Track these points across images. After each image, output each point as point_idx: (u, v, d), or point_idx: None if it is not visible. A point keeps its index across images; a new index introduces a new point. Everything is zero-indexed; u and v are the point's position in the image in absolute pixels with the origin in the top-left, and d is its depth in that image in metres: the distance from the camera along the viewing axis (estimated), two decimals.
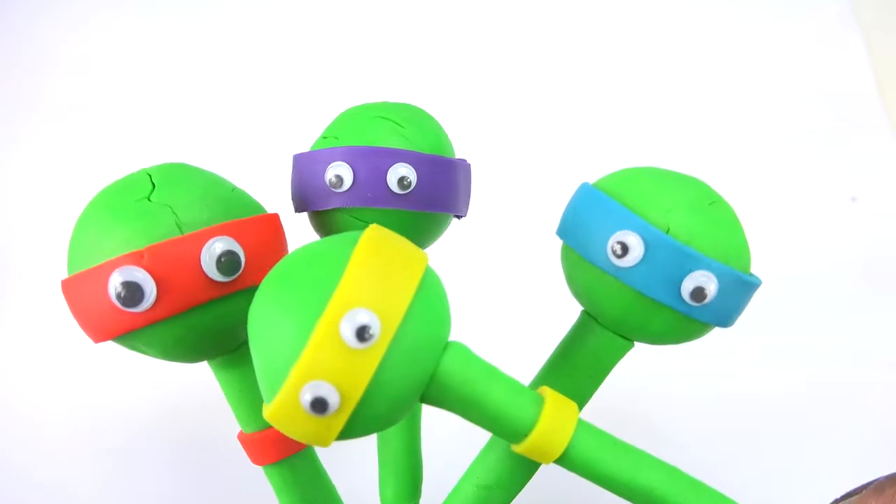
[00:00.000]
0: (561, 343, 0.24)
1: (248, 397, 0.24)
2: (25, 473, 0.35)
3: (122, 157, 0.46)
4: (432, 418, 0.28)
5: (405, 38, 0.53)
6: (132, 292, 0.20)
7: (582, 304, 0.24)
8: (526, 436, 0.19)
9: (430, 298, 0.18)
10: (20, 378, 0.39)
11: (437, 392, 0.19)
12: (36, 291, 0.42)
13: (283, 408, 0.17)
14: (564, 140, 0.50)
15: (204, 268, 0.21)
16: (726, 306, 0.21)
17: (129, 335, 0.21)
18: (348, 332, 0.17)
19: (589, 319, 0.23)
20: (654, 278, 0.21)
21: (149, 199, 0.21)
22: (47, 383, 0.39)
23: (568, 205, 0.24)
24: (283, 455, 0.24)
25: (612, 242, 0.21)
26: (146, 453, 0.36)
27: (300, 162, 0.25)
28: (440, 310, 0.19)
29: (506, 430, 0.20)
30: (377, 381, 0.17)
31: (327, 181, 0.24)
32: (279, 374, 0.17)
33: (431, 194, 0.24)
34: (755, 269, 0.31)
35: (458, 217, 0.27)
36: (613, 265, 0.21)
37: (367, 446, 0.28)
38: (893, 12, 0.55)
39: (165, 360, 0.23)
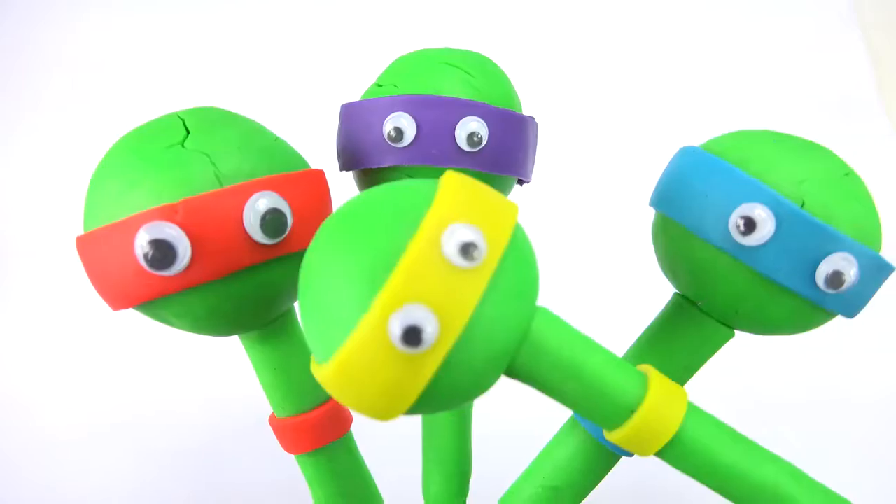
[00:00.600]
0: (647, 330, 0.21)
1: (283, 376, 0.21)
2: (24, 471, 0.33)
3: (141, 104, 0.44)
4: (480, 411, 0.25)
5: None
6: (163, 252, 0.17)
7: (678, 286, 0.20)
8: (628, 417, 0.16)
9: (524, 239, 0.16)
10: (19, 377, 0.37)
11: (531, 356, 0.16)
12: (34, 286, 0.40)
13: (363, 346, 0.14)
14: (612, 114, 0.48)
15: (246, 227, 0.17)
16: (862, 294, 0.18)
17: (157, 303, 0.18)
18: (451, 248, 0.14)
19: (685, 304, 0.20)
20: (784, 260, 0.17)
21: (182, 146, 0.18)
22: (46, 381, 0.38)
23: (668, 170, 0.20)
24: (321, 443, 0.21)
25: (736, 217, 0.17)
26: (152, 454, 0.34)
27: (351, 113, 0.22)
28: (533, 260, 0.16)
29: (605, 408, 0.16)
30: (481, 313, 0.14)
31: (385, 134, 0.21)
32: (359, 301, 0.14)
33: (502, 154, 0.21)
34: None
35: (522, 183, 0.24)
36: (735, 243, 0.18)
37: (410, 438, 0.26)
38: (894, 12, 0.54)
39: (193, 332, 0.20)
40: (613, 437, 0.17)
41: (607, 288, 0.39)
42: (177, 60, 0.49)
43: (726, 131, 0.23)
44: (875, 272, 0.18)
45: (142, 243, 0.17)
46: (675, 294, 0.21)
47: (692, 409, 0.17)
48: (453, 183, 0.15)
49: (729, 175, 0.18)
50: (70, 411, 0.37)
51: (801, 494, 0.17)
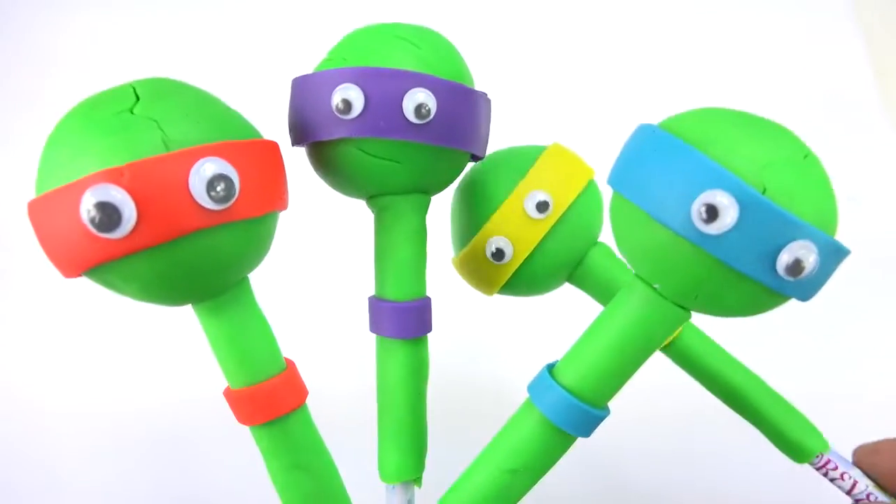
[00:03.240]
0: (605, 311, 0.21)
1: (237, 347, 0.21)
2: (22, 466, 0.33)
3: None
4: (436, 392, 0.26)
5: None
6: (108, 214, 0.17)
7: (637, 268, 0.20)
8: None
9: (591, 199, 0.25)
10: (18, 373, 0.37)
11: (582, 275, 0.26)
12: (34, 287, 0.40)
13: (471, 254, 0.25)
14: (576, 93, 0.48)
15: (192, 191, 0.18)
16: (819, 279, 0.18)
17: (104, 267, 0.18)
18: (531, 205, 0.24)
19: (644, 286, 0.20)
20: (746, 248, 0.17)
21: (131, 112, 0.18)
22: (45, 376, 0.37)
23: (626, 150, 0.20)
24: (276, 414, 0.21)
25: (699, 204, 0.17)
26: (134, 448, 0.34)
27: (301, 86, 0.22)
28: (597, 211, 0.26)
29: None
30: (543, 246, 0.25)
31: (333, 107, 0.21)
32: (470, 231, 0.25)
33: (451, 127, 0.22)
34: None
35: (476, 159, 0.25)
36: (697, 231, 0.17)
37: (366, 415, 0.26)
38: (893, 11, 0.54)
39: (145, 300, 0.20)
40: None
41: None
42: (144, 46, 0.49)
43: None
44: (832, 257, 0.18)
45: (87, 206, 0.17)
46: (632, 274, 0.20)
47: (690, 326, 0.26)
48: (548, 157, 0.25)
49: (691, 159, 0.17)
50: (52, 401, 0.37)
51: (758, 396, 0.26)
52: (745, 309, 0.19)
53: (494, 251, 0.24)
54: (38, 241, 0.19)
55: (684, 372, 0.27)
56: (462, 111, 0.22)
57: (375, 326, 0.24)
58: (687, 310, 0.20)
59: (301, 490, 0.23)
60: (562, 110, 0.49)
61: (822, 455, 0.25)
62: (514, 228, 0.24)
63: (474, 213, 0.25)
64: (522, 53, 0.50)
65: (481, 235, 0.25)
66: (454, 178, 0.24)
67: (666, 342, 0.25)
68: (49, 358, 0.38)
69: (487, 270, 0.25)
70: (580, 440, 0.21)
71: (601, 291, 0.26)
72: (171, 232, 0.18)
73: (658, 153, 0.18)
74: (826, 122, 0.48)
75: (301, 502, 0.22)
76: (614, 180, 0.20)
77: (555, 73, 0.50)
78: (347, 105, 0.21)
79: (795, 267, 0.17)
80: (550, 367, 0.22)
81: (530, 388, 0.22)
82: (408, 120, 0.21)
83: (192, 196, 0.18)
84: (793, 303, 0.37)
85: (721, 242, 0.17)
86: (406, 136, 0.21)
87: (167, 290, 0.19)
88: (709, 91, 0.49)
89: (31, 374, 0.37)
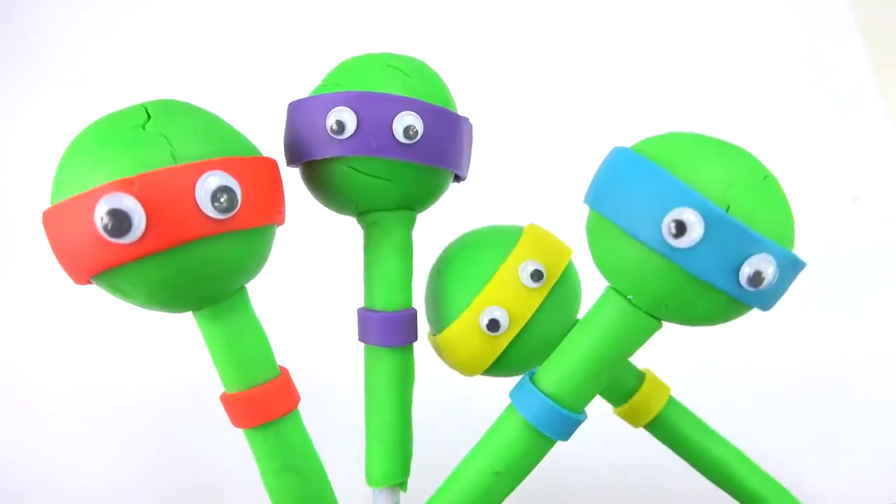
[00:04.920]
0: (582, 322, 0.22)
1: (234, 353, 0.22)
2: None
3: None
4: (421, 397, 0.27)
5: None
6: (119, 221, 0.18)
7: (612, 280, 0.21)
8: (630, 397, 0.26)
9: (574, 274, 0.26)
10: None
11: None
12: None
13: (461, 326, 0.24)
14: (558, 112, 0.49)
15: (198, 201, 0.19)
16: (778, 290, 0.20)
17: (114, 272, 0.19)
18: (525, 275, 0.24)
19: (618, 297, 0.21)
20: (712, 262, 0.19)
21: (143, 128, 0.20)
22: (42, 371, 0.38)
23: (602, 170, 0.21)
24: (269, 417, 0.23)
25: (668, 220, 0.19)
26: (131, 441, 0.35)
27: (297, 109, 0.24)
28: (578, 287, 0.26)
29: (616, 390, 0.27)
30: (537, 317, 0.24)
31: (328, 128, 0.23)
32: (464, 300, 0.24)
33: (437, 148, 0.23)
34: None
35: (459, 180, 0.26)
36: (667, 245, 0.19)
37: (354, 422, 0.27)
38: (893, 9, 0.55)
39: (150, 306, 0.21)
40: (618, 410, 0.26)
41: None
42: (146, 59, 0.50)
43: (713, 131, 0.25)
44: (790, 269, 0.20)
45: (101, 213, 0.18)
46: (608, 287, 0.22)
47: (672, 400, 0.27)
48: (532, 233, 0.25)
49: (661, 179, 0.19)
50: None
51: (743, 473, 0.26)
52: (711, 318, 0.21)
53: (489, 322, 0.24)
54: (50, 249, 0.20)
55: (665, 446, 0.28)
56: (447, 133, 0.24)
57: (364, 336, 0.25)
58: (658, 319, 0.21)
59: (291, 493, 0.24)
60: (552, 116, 0.50)
61: None
62: (509, 298, 0.24)
63: (461, 285, 0.25)
64: (506, 75, 0.51)
65: (474, 306, 0.24)
66: (438, 196, 0.26)
67: (649, 418, 0.26)
68: (46, 356, 0.39)
69: (480, 344, 0.24)
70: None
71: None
72: (177, 238, 0.19)
73: (631, 174, 0.20)
74: (827, 122, 0.48)
75: None
76: (591, 199, 0.21)
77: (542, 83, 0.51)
78: (341, 126, 0.22)
79: (756, 278, 0.19)
80: (531, 375, 0.23)
81: (512, 394, 0.23)
82: (397, 140, 0.23)
83: (197, 206, 0.19)
84: (792, 301, 0.39)
85: (689, 256, 0.19)
86: (395, 155, 0.23)
87: (171, 294, 0.20)
88: (708, 90, 0.50)
89: (29, 374, 0.38)
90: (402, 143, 0.23)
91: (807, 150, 0.47)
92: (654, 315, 0.21)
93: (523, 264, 0.24)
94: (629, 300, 0.21)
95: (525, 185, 0.45)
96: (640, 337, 0.22)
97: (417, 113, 0.23)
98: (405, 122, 0.22)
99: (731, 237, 0.19)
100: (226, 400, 0.23)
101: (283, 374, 0.23)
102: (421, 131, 0.23)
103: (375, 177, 0.23)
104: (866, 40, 0.51)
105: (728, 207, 0.19)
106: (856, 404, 0.37)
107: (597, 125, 0.47)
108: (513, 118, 0.48)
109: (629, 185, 0.20)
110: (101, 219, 0.18)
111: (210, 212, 0.19)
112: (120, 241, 0.19)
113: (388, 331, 0.24)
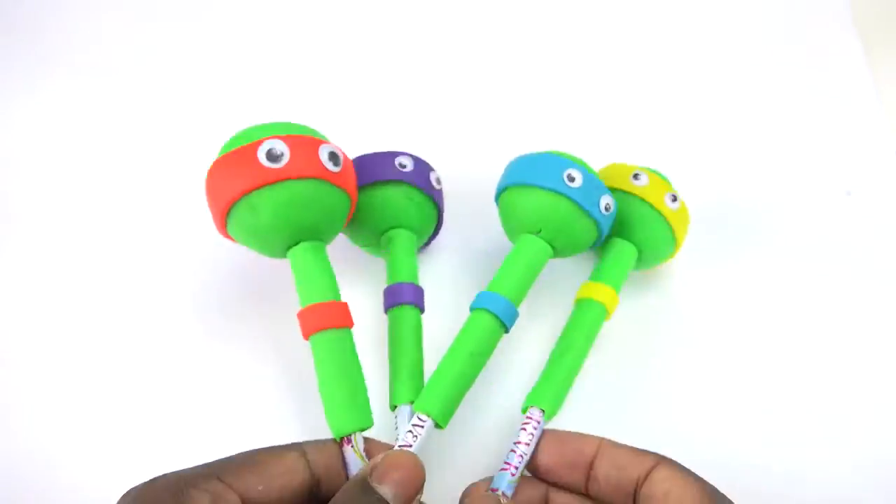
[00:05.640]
0: (510, 256, 0.34)
1: (318, 276, 0.32)
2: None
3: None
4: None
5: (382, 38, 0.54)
6: (275, 154, 0.30)
7: (525, 227, 0.34)
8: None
9: None
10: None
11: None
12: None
13: None
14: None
15: (320, 157, 0.31)
16: (611, 221, 0.36)
17: (258, 192, 0.30)
18: None
19: (530, 236, 0.34)
20: (587, 196, 0.34)
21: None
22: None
23: (515, 164, 0.35)
24: (331, 325, 0.31)
25: (565, 174, 0.33)
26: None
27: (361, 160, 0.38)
28: None
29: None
30: None
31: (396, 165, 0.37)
32: None
33: (419, 176, 0.38)
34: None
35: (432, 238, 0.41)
36: (566, 186, 0.33)
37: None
38: (889, 5, 0.55)
39: (270, 235, 0.31)
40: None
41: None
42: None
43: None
44: (615, 210, 0.36)
45: (264, 150, 0.31)
46: (521, 235, 0.34)
47: (591, 305, 0.35)
48: None
49: (558, 158, 0.34)
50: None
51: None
52: (582, 238, 0.35)
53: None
54: (207, 189, 0.32)
55: None
56: (425, 170, 0.38)
57: (392, 301, 0.35)
58: (554, 247, 0.34)
59: (339, 383, 0.30)
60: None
61: (539, 414, 0.31)
62: None
63: None
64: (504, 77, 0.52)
65: None
66: (427, 238, 0.39)
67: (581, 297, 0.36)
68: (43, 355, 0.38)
69: None
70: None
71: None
72: (304, 172, 0.31)
73: (543, 157, 0.35)
74: (821, 117, 0.49)
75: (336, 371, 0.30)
76: (510, 180, 0.35)
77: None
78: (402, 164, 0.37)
79: (606, 208, 0.35)
80: (484, 292, 0.33)
81: (478, 303, 0.32)
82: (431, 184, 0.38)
83: (319, 159, 0.32)
84: (791, 300, 0.40)
85: (576, 192, 0.33)
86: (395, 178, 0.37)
87: (288, 220, 0.31)
88: (703, 86, 0.51)
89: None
90: (434, 188, 0.38)
91: (801, 144, 0.47)
92: (551, 243, 0.34)
93: None
94: (538, 235, 0.34)
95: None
96: (543, 259, 0.34)
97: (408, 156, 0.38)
98: (435, 176, 0.38)
99: (594, 185, 0.34)
100: (300, 313, 0.31)
101: (344, 304, 0.32)
102: (410, 167, 0.37)
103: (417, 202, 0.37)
104: (862, 35, 0.52)
105: (592, 172, 0.35)
106: (849, 396, 0.37)
107: (596, 125, 0.49)
108: (510, 121, 0.49)
109: (544, 161, 0.34)
110: (265, 153, 0.31)
111: (329, 166, 0.32)
112: (272, 165, 0.31)
113: (415, 293, 0.36)
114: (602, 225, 0.34)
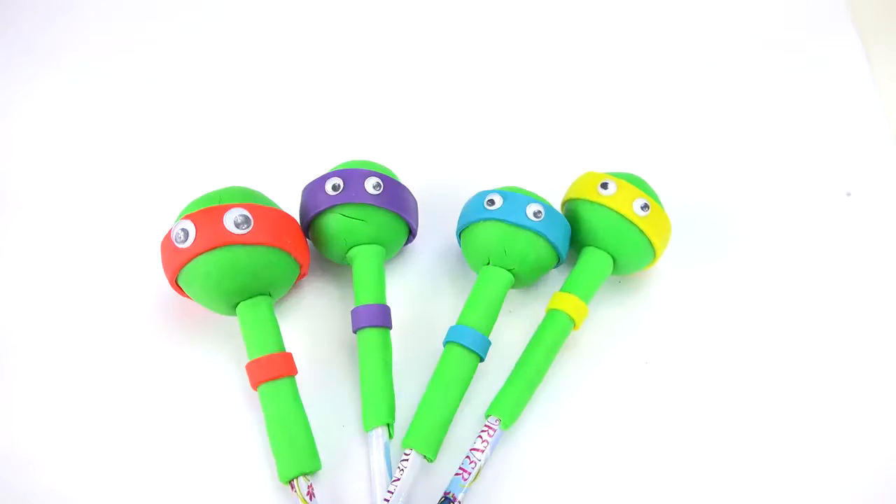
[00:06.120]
0: (477, 284, 0.36)
1: (258, 332, 0.34)
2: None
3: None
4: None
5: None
6: (184, 232, 0.32)
7: (488, 258, 0.36)
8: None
9: None
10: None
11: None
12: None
13: None
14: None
15: (224, 223, 0.32)
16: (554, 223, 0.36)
17: (182, 272, 0.33)
18: None
19: (486, 267, 0.36)
20: (551, 230, 0.35)
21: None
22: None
23: (474, 202, 0.37)
24: (275, 376, 0.33)
25: (530, 211, 0.35)
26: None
27: (307, 188, 0.38)
28: None
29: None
30: None
31: (328, 188, 0.37)
32: None
33: (394, 200, 0.37)
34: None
35: (411, 237, 0.40)
36: (529, 220, 0.35)
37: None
38: (888, 4, 0.55)
39: (212, 296, 0.33)
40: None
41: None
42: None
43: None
44: (554, 214, 0.36)
45: (175, 233, 0.33)
46: (484, 267, 0.36)
47: (557, 316, 0.35)
48: None
49: (481, 193, 0.37)
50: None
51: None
52: (528, 251, 0.35)
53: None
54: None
55: None
56: (400, 193, 0.37)
57: (357, 325, 0.35)
58: (510, 270, 0.36)
59: (283, 436, 0.32)
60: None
61: (496, 423, 0.33)
62: None
63: None
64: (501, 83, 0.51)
65: None
66: (400, 241, 0.38)
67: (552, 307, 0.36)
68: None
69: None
70: None
71: None
72: (211, 244, 0.32)
73: (471, 198, 0.37)
74: (821, 117, 0.48)
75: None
76: (471, 217, 0.36)
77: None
78: (335, 187, 0.36)
79: (537, 215, 0.35)
80: (455, 326, 0.34)
81: (451, 338, 0.34)
82: (368, 192, 0.36)
83: (224, 227, 0.33)
84: (791, 301, 0.40)
85: (497, 212, 0.35)
86: (368, 202, 0.36)
87: (215, 289, 0.33)
88: (703, 86, 0.50)
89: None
90: (372, 194, 0.36)
91: (800, 145, 0.47)
92: (506, 268, 0.36)
93: None
94: (492, 264, 0.36)
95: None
96: (503, 285, 0.36)
97: (379, 178, 0.36)
98: (372, 181, 0.36)
99: (516, 200, 0.35)
100: (248, 365, 0.33)
101: (289, 355, 0.34)
102: (384, 187, 0.36)
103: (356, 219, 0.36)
104: (861, 35, 0.52)
105: (517, 192, 0.36)
106: (849, 396, 0.36)
107: (596, 124, 0.49)
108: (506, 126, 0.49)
109: (470, 202, 0.37)
110: (175, 236, 0.33)
111: (234, 230, 0.33)
112: (183, 245, 0.32)
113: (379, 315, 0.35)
114: (542, 233, 0.35)
